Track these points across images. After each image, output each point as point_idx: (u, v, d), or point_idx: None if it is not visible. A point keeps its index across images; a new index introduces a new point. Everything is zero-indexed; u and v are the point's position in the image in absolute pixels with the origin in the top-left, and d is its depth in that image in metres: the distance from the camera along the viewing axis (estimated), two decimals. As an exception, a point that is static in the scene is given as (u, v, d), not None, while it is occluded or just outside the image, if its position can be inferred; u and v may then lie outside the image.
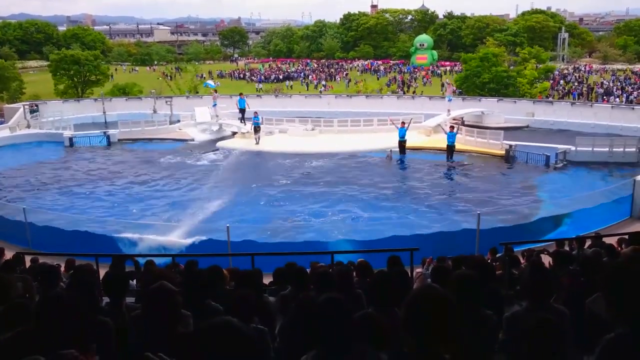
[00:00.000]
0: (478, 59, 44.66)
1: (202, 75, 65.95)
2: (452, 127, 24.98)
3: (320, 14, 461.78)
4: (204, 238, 14.26)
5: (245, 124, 29.49)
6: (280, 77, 70.65)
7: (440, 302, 2.31)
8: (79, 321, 2.66)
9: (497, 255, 9.79)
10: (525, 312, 3.63)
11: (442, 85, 55.18)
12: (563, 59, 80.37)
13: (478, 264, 6.04)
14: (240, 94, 31.13)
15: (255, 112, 27.82)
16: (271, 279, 7.40)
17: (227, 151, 26.55)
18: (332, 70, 77.01)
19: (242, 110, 29.99)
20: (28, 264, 9.30)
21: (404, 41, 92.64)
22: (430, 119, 30.22)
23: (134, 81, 53.77)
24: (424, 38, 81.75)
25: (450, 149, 24.11)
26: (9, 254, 9.83)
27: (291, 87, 61.58)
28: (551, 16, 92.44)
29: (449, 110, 31.08)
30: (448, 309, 2.30)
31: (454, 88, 43.17)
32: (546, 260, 8.45)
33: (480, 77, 43.32)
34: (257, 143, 27.36)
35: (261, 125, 27.93)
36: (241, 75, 74.50)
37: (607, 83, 55.70)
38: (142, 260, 9.66)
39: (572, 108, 34.20)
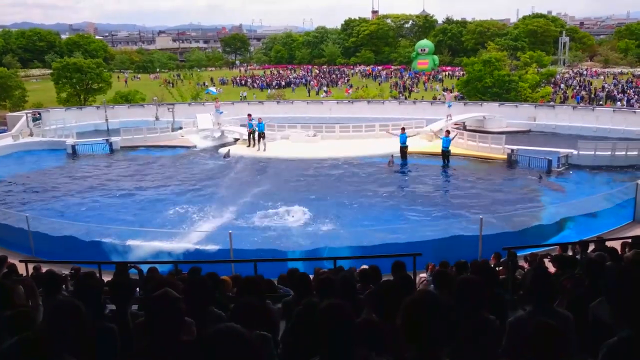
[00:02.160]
0: (481, 63, 44.70)
1: (203, 83, 65.96)
2: (447, 132, 25.01)
3: (321, 20, 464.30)
4: (207, 245, 14.26)
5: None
6: (282, 83, 70.80)
7: (434, 306, 2.31)
8: (82, 328, 2.66)
9: (501, 260, 9.78)
10: (529, 317, 3.62)
11: (444, 90, 55.14)
12: (564, 63, 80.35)
13: (481, 269, 6.03)
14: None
15: (260, 119, 27.81)
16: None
17: (229, 158, 26.56)
18: (334, 76, 77.14)
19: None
20: (31, 271, 9.31)
21: (405, 46, 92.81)
22: (432, 124, 30.29)
23: (136, 88, 53.96)
24: (425, 43, 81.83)
25: (445, 154, 24.16)
26: (12, 262, 9.80)
27: (282, 95, 60.97)
28: (552, 20, 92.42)
29: (448, 116, 31.12)
30: (442, 313, 2.31)
31: (455, 93, 43.21)
32: (549, 264, 8.42)
33: (482, 81, 43.35)
34: (262, 149, 27.28)
35: (265, 132, 27.93)
36: (243, 82, 74.69)
37: (609, 87, 55.65)
38: (144, 268, 9.64)
39: (574, 112, 34.23)
